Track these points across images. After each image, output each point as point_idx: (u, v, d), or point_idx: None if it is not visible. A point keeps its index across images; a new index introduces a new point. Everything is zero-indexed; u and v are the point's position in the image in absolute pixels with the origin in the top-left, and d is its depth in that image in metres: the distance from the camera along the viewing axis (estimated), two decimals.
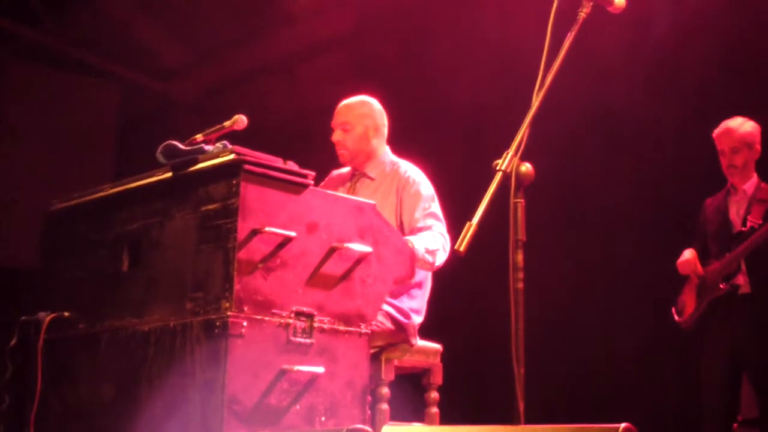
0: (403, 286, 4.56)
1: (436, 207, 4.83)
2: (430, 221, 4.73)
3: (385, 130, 5.09)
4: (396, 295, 4.59)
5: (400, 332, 4.51)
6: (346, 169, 5.13)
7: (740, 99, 6.21)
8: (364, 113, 5.02)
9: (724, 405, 5.57)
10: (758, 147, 5.67)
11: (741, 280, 5.54)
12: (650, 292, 6.51)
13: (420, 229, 4.68)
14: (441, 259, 4.62)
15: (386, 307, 4.46)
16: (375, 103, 5.10)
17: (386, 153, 5.07)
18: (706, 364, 5.68)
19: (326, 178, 5.18)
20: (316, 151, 5.60)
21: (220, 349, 3.32)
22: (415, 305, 4.71)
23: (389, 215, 4.72)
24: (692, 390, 6.17)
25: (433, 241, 4.57)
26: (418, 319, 4.69)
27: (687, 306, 5.80)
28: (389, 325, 4.47)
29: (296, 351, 3.52)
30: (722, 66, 6.55)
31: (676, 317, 5.87)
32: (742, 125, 5.67)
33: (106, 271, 3.91)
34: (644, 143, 6.91)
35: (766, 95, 6.21)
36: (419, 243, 4.46)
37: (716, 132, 5.74)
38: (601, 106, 6.94)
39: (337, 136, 5.01)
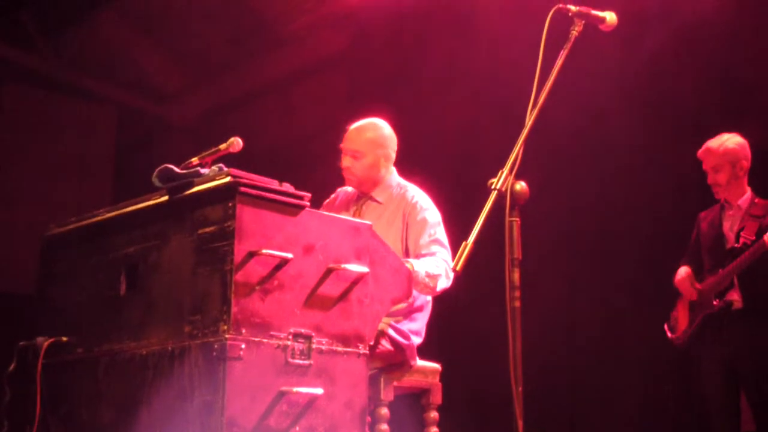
0: (407, 308, 4.56)
1: (441, 234, 4.80)
2: (434, 248, 4.70)
3: (394, 156, 5.03)
4: (398, 318, 4.59)
5: (399, 354, 4.51)
6: (353, 189, 5.11)
7: (735, 113, 6.24)
8: (375, 141, 4.94)
9: (727, 421, 5.58)
10: (744, 163, 5.66)
11: (734, 296, 5.55)
12: (648, 309, 6.51)
13: (424, 255, 4.67)
14: (442, 284, 4.59)
15: (386, 329, 4.46)
16: (386, 128, 5.01)
17: (393, 176, 5.03)
18: (706, 381, 5.68)
19: (332, 196, 5.15)
20: (312, 172, 5.61)
21: (218, 372, 3.32)
22: (416, 327, 4.70)
23: (395, 240, 4.71)
24: (691, 407, 6.18)
25: (435, 267, 4.54)
26: (417, 341, 4.69)
27: (680, 322, 5.81)
28: (389, 346, 4.47)
29: (295, 372, 3.51)
30: (716, 80, 6.58)
31: (669, 334, 5.87)
32: (724, 143, 5.67)
33: (104, 295, 3.90)
34: (639, 160, 6.93)
35: (761, 109, 6.23)
36: (420, 266, 4.44)
37: (699, 151, 5.76)
38: (596, 124, 6.96)
39: (346, 163, 4.93)
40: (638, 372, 6.72)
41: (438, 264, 4.58)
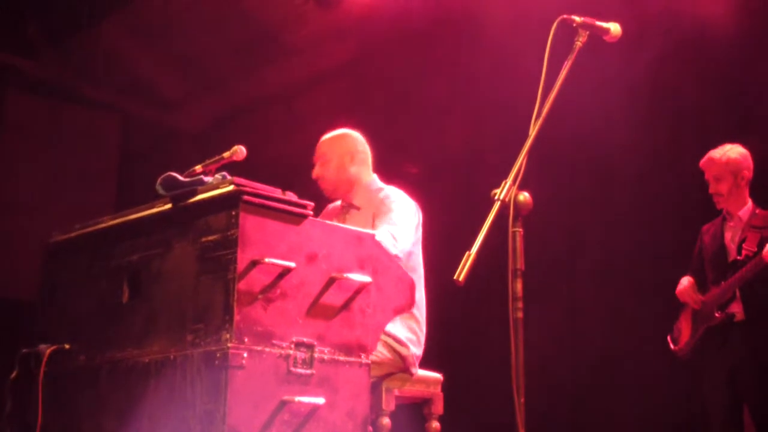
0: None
1: (400, 211, 4.74)
2: (385, 219, 4.68)
3: (366, 158, 5.10)
4: (395, 325, 4.58)
5: (399, 362, 4.51)
6: (339, 203, 5.13)
7: (738, 124, 6.25)
8: (338, 144, 5.05)
9: None
10: (746, 173, 5.67)
11: (736, 308, 5.55)
12: (651, 320, 6.50)
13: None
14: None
15: (385, 337, 4.45)
16: (352, 134, 5.11)
17: (373, 181, 5.06)
18: (708, 393, 5.68)
19: (322, 212, 5.17)
20: (315, 181, 5.61)
21: (220, 381, 3.31)
22: (413, 334, 4.70)
23: None
24: (694, 419, 6.17)
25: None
26: (415, 349, 4.68)
27: (683, 334, 5.81)
28: (388, 354, 4.46)
29: (297, 382, 3.51)
30: (720, 91, 6.58)
31: (672, 346, 5.87)
32: (726, 153, 5.68)
33: (107, 302, 3.90)
34: (643, 171, 6.93)
35: (764, 120, 6.23)
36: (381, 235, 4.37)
37: (701, 161, 5.77)
38: (599, 135, 6.96)
39: (315, 171, 5.05)
40: (640, 383, 6.71)
41: (380, 233, 4.47)
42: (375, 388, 4.32)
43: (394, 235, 4.60)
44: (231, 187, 3.50)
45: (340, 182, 5.01)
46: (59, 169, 9.90)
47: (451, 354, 6.54)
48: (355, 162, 5.03)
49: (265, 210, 3.51)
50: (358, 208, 4.96)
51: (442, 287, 4.74)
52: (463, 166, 7.87)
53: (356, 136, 5.11)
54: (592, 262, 7.11)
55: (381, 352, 4.40)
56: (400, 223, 4.68)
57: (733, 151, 5.69)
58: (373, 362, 4.07)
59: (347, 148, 5.04)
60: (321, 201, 4.17)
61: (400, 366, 4.53)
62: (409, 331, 4.69)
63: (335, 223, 4.75)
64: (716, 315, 5.57)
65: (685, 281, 5.77)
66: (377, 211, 4.82)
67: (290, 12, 9.24)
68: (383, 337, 4.42)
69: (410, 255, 4.77)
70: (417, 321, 4.78)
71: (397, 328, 4.62)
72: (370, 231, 4.14)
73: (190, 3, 9.35)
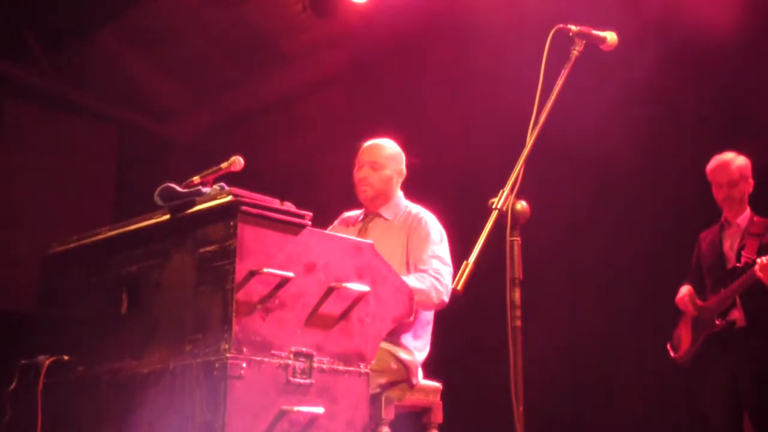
0: (406, 324, 4.54)
1: (442, 251, 4.80)
2: (434, 263, 4.70)
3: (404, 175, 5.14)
4: (398, 335, 4.58)
5: (402, 371, 4.51)
6: (358, 211, 5.13)
7: (736, 131, 6.26)
8: (394, 157, 5.05)
9: None
10: (751, 180, 5.72)
11: (736, 314, 5.55)
12: (650, 328, 6.51)
13: (420, 271, 4.66)
14: (429, 299, 4.55)
15: (388, 346, 4.45)
16: (400, 149, 5.12)
17: (401, 197, 5.08)
18: (709, 400, 5.67)
19: (338, 219, 5.16)
20: (314, 190, 5.62)
21: (219, 391, 3.31)
22: (419, 344, 4.70)
23: (401, 254, 4.73)
24: (694, 426, 6.16)
25: (419, 282, 4.51)
26: (420, 357, 4.68)
27: (683, 341, 5.81)
28: (392, 365, 4.47)
29: (296, 391, 3.51)
30: (718, 98, 6.59)
31: (672, 353, 5.87)
32: (736, 158, 5.73)
33: (105, 313, 3.90)
34: (640, 179, 6.93)
35: (760, 128, 6.25)
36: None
37: (711, 167, 5.77)
38: (597, 144, 6.95)
39: (364, 173, 4.98)
40: (640, 391, 6.71)
41: (422, 279, 4.57)
42: (375, 398, 4.31)
43: (436, 286, 4.60)
44: (229, 198, 3.50)
45: (384, 193, 4.99)
46: (56, 178, 9.89)
47: (451, 363, 6.53)
48: (400, 179, 5.08)
49: (263, 220, 3.52)
50: (385, 219, 4.96)
51: None
52: (460, 175, 7.87)
53: (402, 153, 5.13)
54: (590, 271, 7.11)
55: (383, 361, 4.40)
56: (443, 272, 4.69)
57: (740, 158, 5.74)
58: (376, 372, 4.07)
59: (399, 165, 5.06)
60: (318, 211, 4.15)
61: (403, 375, 4.53)
62: (415, 339, 4.69)
63: (352, 232, 4.78)
64: (717, 322, 5.58)
65: (684, 290, 5.77)
66: (414, 234, 4.83)
67: (287, 20, 9.26)
68: (387, 346, 4.42)
69: None
70: (425, 328, 4.78)
71: (402, 335, 4.62)
72: (407, 280, 4.20)
73: (187, 12, 9.36)
